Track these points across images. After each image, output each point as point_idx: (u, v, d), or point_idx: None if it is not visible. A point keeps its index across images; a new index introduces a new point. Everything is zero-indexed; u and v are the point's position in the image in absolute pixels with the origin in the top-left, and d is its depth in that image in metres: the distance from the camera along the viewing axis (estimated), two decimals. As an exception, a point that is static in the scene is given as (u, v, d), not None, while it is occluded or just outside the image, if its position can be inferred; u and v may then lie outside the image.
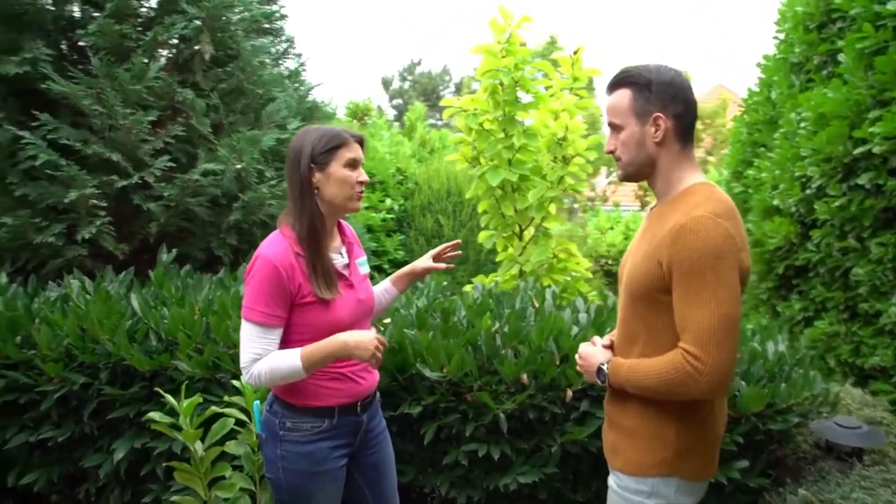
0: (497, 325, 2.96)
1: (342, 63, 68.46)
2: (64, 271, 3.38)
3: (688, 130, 1.82)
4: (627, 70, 1.85)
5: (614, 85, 1.86)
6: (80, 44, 3.53)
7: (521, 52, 4.35)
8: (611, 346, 1.96)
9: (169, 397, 2.28)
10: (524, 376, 2.73)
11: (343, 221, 2.30)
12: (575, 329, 2.92)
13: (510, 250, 4.80)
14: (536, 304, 3.30)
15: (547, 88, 4.72)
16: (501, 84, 4.43)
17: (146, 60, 3.49)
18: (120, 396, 2.81)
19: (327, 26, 73.45)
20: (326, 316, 2.06)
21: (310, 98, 4.56)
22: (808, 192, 3.82)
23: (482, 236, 4.83)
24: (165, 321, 2.87)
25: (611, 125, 1.88)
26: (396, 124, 19.11)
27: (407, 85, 36.79)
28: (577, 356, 1.97)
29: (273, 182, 3.86)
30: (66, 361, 2.84)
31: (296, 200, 2.06)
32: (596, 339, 1.99)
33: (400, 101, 34.98)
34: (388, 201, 9.99)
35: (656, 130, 1.79)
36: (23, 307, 2.95)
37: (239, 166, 3.46)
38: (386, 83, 36.76)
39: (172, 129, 3.57)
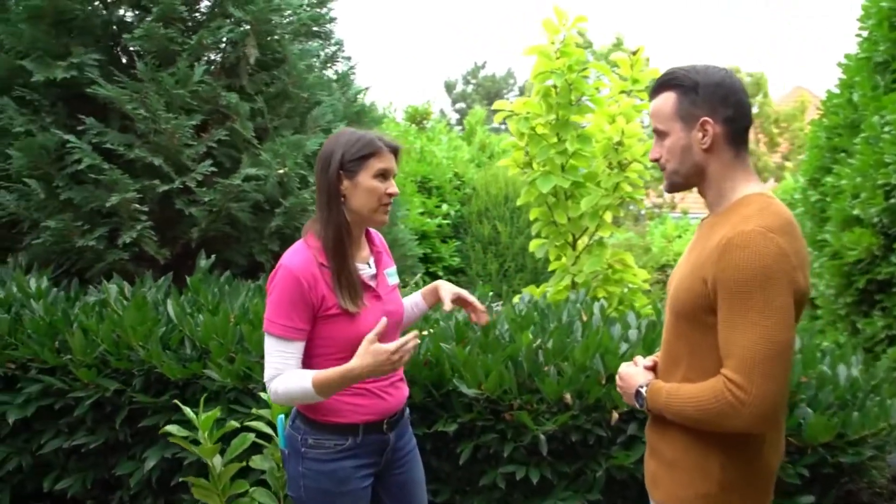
0: (540, 340, 2.86)
1: (404, 67, 69.24)
2: (104, 276, 3.46)
3: (740, 136, 1.70)
4: (672, 71, 1.75)
5: (658, 88, 1.76)
6: (129, 48, 3.61)
7: (576, 52, 4.24)
8: (654, 368, 1.85)
9: (188, 410, 2.27)
10: (567, 396, 2.62)
11: (372, 229, 2.25)
12: (624, 346, 2.79)
13: (563, 260, 4.68)
14: (584, 319, 3.19)
15: (601, 91, 4.59)
16: (555, 87, 4.33)
17: (191, 65, 3.55)
18: (152, 404, 2.84)
19: (390, 29, 74.47)
20: (351, 329, 2.01)
21: (359, 101, 4.56)
22: (892, 201, 3.59)
23: (533, 245, 4.72)
24: (199, 329, 2.89)
25: (655, 131, 1.78)
26: (458, 129, 19.16)
27: (470, 88, 36.84)
28: (617, 376, 1.87)
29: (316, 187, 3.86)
30: (101, 367, 2.89)
31: (322, 208, 2.02)
32: (638, 359, 1.88)
33: (463, 104, 35.05)
34: (445, 206, 9.98)
35: (704, 136, 1.68)
36: (61, 312, 3.02)
37: (282, 171, 3.47)
38: (449, 87, 36.91)
39: (216, 133, 3.61)
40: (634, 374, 1.81)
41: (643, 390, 1.74)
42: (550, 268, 4.79)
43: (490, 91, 35.21)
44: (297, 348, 1.99)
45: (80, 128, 3.47)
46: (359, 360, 1.88)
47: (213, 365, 2.77)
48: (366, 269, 2.11)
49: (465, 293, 2.23)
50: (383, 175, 2.03)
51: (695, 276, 1.64)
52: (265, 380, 1.99)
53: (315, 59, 4.34)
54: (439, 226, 9.72)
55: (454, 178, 10.46)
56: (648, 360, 1.87)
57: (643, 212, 16.96)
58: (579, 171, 4.43)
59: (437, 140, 11.41)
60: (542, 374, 2.68)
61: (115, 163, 3.52)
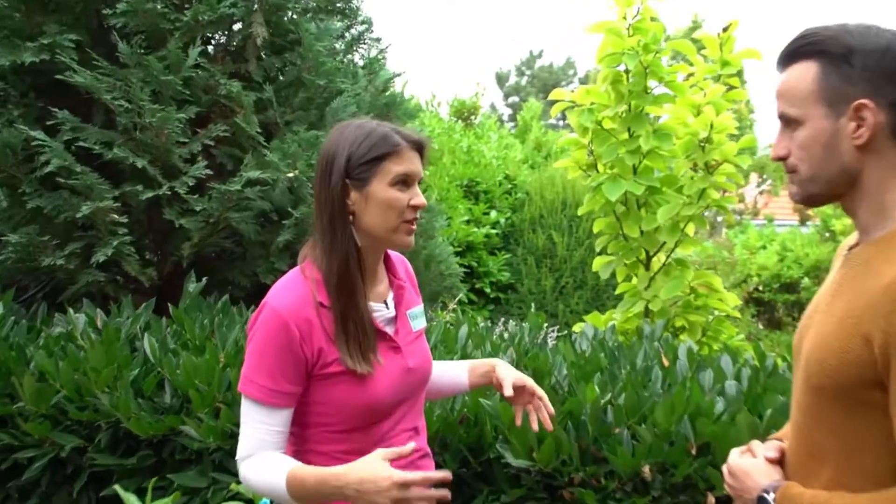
0: (609, 393, 2.43)
1: (449, 55, 69.10)
2: (84, 301, 3.15)
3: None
4: (812, 33, 1.32)
5: (790, 56, 1.34)
6: (114, 27, 3.31)
7: (654, 28, 3.81)
8: (780, 459, 1.42)
9: (127, 496, 1.91)
10: (645, 470, 2.20)
11: (393, 253, 1.87)
12: (720, 403, 2.35)
13: (633, 282, 4.25)
14: (665, 363, 2.74)
15: (687, 77, 4.15)
16: (626, 71, 3.90)
17: (185, 46, 3.23)
18: (118, 467, 2.51)
19: (432, 11, 74.47)
20: (359, 393, 1.62)
21: (389, 91, 4.19)
22: None
23: (598, 263, 4.30)
24: (179, 372, 2.55)
25: (782, 118, 1.36)
26: (510, 125, 18.74)
27: (524, 80, 36.41)
28: (725, 471, 1.44)
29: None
30: (58, 419, 2.58)
31: (324, 230, 1.64)
32: (756, 445, 1.45)
33: (516, 98, 34.64)
34: (494, 214, 9.58)
35: (859, 127, 1.27)
36: (15, 347, 2.71)
37: (290, 175, 3.12)
38: (500, 78, 36.55)
39: (214, 129, 3.29)
40: (754, 470, 1.39)
41: (770, 497, 1.32)
42: (619, 290, 4.35)
43: (547, 83, 34.68)
44: (282, 419, 1.62)
45: (51, 123, 3.18)
46: (352, 470, 1.49)
47: (191, 420, 2.41)
48: (382, 311, 1.72)
49: (531, 382, 1.83)
50: (404, 182, 1.64)
51: (849, 335, 1.22)
52: (237, 457, 1.63)
53: (337, 41, 4.00)
54: (487, 236, 9.31)
55: (505, 182, 10.05)
56: (771, 449, 1.43)
57: (720, 218, 16.28)
58: (655, 175, 4.01)
59: (486, 138, 11.01)
60: (611, 440, 2.26)
61: (94, 165, 3.22)
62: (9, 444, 2.60)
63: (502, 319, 6.72)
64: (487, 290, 9.10)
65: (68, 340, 2.80)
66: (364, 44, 4.11)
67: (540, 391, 1.85)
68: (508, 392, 1.77)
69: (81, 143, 3.11)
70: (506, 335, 3.32)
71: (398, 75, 4.17)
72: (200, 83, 3.32)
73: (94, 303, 3.28)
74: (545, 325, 3.64)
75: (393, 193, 1.62)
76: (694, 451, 2.21)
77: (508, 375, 1.83)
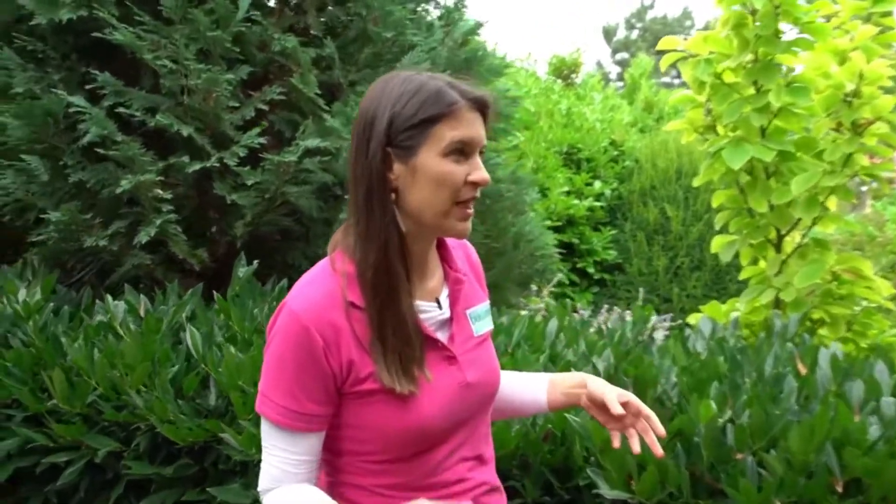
0: (729, 409, 2.12)
1: (547, 7, 67.72)
2: (133, 284, 3.05)
3: None
4: None
5: None
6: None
7: (787, -43, 3.39)
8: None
9: None
10: (775, 507, 1.90)
11: (450, 239, 1.63)
12: (874, 428, 2.00)
13: (761, 265, 3.87)
14: (802, 371, 2.40)
15: (829, 17, 3.70)
16: (752, 12, 3.50)
17: (234, -2, 3.06)
18: (155, 476, 2.38)
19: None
20: (401, 416, 1.40)
21: (470, 44, 3.92)
22: None
23: (717, 243, 3.93)
24: (221, 370, 2.39)
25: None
26: (619, 84, 18.08)
27: (634, 34, 35.25)
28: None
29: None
30: (93, 420, 2.48)
31: (359, 210, 1.41)
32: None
33: (625, 55, 33.60)
34: (598, 184, 9.21)
35: None
36: (51, 338, 2.63)
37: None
38: (608, 33, 35.56)
39: (269, 91, 3.11)
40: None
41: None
42: (743, 275, 3.98)
43: (659, 36, 33.54)
44: (308, 445, 1.42)
45: (90, 87, 3.07)
46: None
47: (232, 427, 2.25)
48: (433, 312, 1.48)
49: (635, 399, 1.55)
50: (461, 151, 1.39)
51: None
52: (258, 489, 1.44)
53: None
54: (590, 209, 8.95)
55: (610, 148, 9.63)
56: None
57: (864, 188, 15.21)
58: (789, 137, 3.59)
59: (588, 99, 10.59)
60: (732, 469, 1.96)
61: (141, 134, 3.10)
62: (44, 446, 2.53)
63: (605, 306, 6.39)
64: (591, 270, 8.77)
65: (108, 331, 2.69)
66: (441, -10, 3.85)
67: (646, 409, 1.57)
68: (618, 409, 1.50)
69: (123, 110, 2.99)
70: (606, 329, 3.02)
71: (480, 26, 3.89)
72: (253, 40, 3.15)
73: (143, 287, 3.19)
74: (653, 316, 3.33)
75: (446, 166, 1.38)
76: (840, 489, 1.88)
77: (608, 390, 1.56)
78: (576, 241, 8.69)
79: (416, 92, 1.38)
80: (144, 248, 3.05)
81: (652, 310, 3.08)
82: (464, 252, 1.63)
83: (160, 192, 2.93)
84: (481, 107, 1.42)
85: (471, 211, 1.41)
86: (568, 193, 8.81)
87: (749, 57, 3.59)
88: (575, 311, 6.40)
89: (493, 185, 3.92)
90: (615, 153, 9.69)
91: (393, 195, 1.39)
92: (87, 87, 3.05)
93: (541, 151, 8.77)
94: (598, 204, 9.00)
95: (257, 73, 3.24)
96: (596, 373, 2.31)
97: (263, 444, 1.43)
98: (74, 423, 2.43)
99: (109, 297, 2.77)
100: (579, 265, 8.70)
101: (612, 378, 2.33)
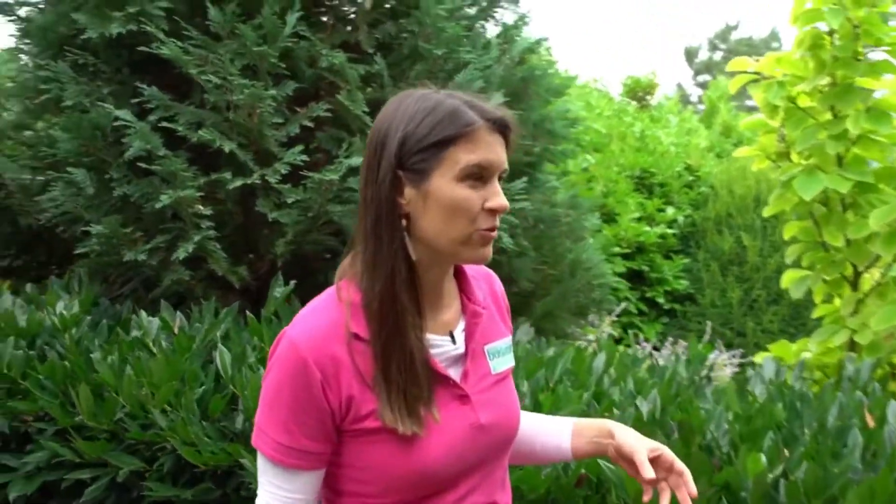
0: (782, 464, 1.97)
1: (624, 27, 67.10)
2: (163, 301, 3.05)
3: None
4: None
5: None
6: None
7: (869, -25, 3.23)
8: None
9: None
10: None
11: (474, 266, 1.55)
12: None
13: (836, 304, 3.67)
14: (870, 423, 2.22)
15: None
16: (830, 32, 3.34)
17: (282, 13, 3.05)
18: (175, 498, 2.35)
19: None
20: (405, 458, 1.32)
21: (528, 62, 3.84)
22: None
23: (788, 278, 3.76)
24: (246, 393, 2.35)
25: None
26: (701, 106, 17.71)
27: (718, 56, 34.61)
28: None
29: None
30: (119, 437, 2.47)
31: (367, 236, 1.34)
32: None
33: (707, 76, 33.02)
34: (671, 210, 8.98)
35: None
36: (84, 352, 2.64)
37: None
38: (690, 54, 34.99)
39: (315, 108, 3.09)
40: None
41: None
42: (816, 314, 3.79)
43: (746, 59, 32.81)
44: (304, 484, 1.35)
45: (136, 101, 3.10)
46: None
47: (249, 455, 2.20)
48: (445, 347, 1.40)
49: (669, 452, 1.44)
50: (478, 176, 1.31)
51: None
52: None
53: (470, 6, 3.70)
54: (662, 236, 8.72)
55: (685, 173, 9.39)
56: None
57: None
58: (868, 167, 3.42)
59: (663, 121, 10.37)
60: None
61: (187, 149, 3.12)
62: (70, 461, 2.53)
63: (670, 339, 6.19)
64: (660, 300, 8.54)
65: (140, 347, 2.70)
66: (499, 6, 3.78)
67: (679, 465, 1.44)
68: (650, 473, 1.38)
69: (166, 125, 3.00)
70: (657, 366, 2.88)
71: (539, 44, 3.80)
72: (302, 56, 3.14)
73: (183, 304, 3.19)
74: (713, 353, 3.16)
75: (461, 192, 1.29)
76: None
77: (638, 445, 1.44)
78: (645, 268, 8.48)
79: (431, 111, 1.31)
80: (186, 263, 3.05)
81: (711, 347, 2.93)
82: (487, 283, 1.54)
83: (201, 207, 2.93)
84: (502, 128, 1.34)
85: (492, 235, 1.33)
86: (639, 219, 8.61)
87: (826, 80, 3.43)
88: (637, 342, 6.22)
89: (549, 210, 3.83)
90: (690, 178, 9.45)
91: (404, 221, 1.32)
92: (134, 101, 3.08)
93: (611, 175, 8.60)
94: (670, 231, 8.77)
95: (306, 89, 3.23)
96: (639, 415, 2.18)
97: (258, 478, 1.37)
98: (99, 440, 2.43)
99: (143, 313, 2.77)
100: (648, 294, 8.48)
101: (656, 422, 2.20)
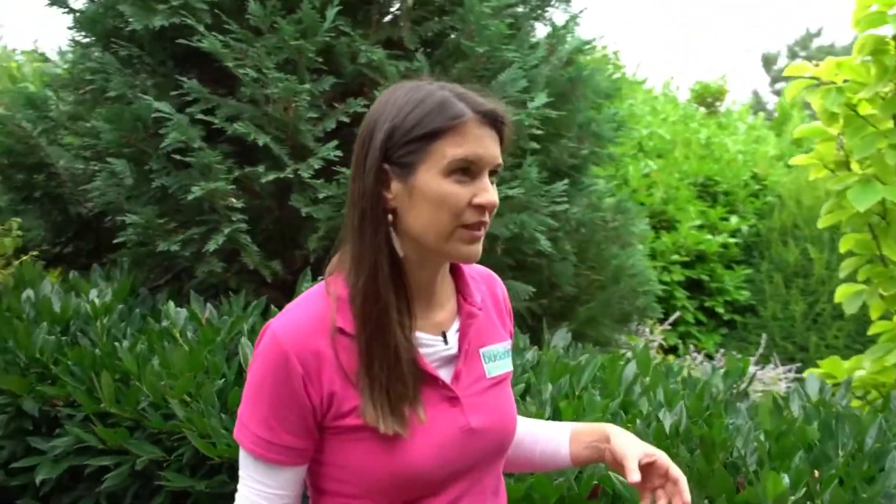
0: (806, 486, 1.86)
1: (697, 32, 65.74)
2: (193, 293, 3.07)
3: None
4: None
5: None
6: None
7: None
8: None
9: None
10: None
11: (475, 267, 1.51)
12: None
13: (894, 321, 3.50)
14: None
15: None
16: (895, 37, 3.18)
17: (321, 7, 3.04)
18: (191, 489, 2.36)
19: (699, -9, 71.33)
20: (386, 459, 1.29)
21: (577, 63, 3.76)
22: None
23: (842, 293, 3.61)
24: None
25: None
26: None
27: (799, 63, 33.64)
28: None
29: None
30: (141, 425, 2.48)
31: (353, 230, 1.32)
32: None
33: (785, 84, 32.13)
34: (734, 219, 8.75)
35: None
36: (110, 339, 2.67)
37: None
38: (768, 60, 34.10)
39: (352, 104, 3.07)
40: None
41: None
42: (872, 331, 3.63)
43: (827, 67, 31.82)
44: (284, 480, 1.34)
45: (175, 93, 3.12)
46: None
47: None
48: (436, 347, 1.37)
49: (664, 457, 1.39)
50: (465, 170, 1.28)
51: None
52: None
53: (516, 3, 3.64)
54: (724, 245, 8.50)
55: (751, 182, 9.14)
56: None
57: None
58: (930, 178, 3.23)
59: (731, 128, 10.10)
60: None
61: (228, 142, 3.14)
62: (94, 447, 2.56)
63: (720, 350, 6.00)
64: (720, 310, 8.32)
65: (168, 338, 2.71)
66: (550, 7, 3.71)
67: (675, 472, 1.38)
68: (635, 477, 1.33)
69: (205, 118, 3.02)
70: (689, 378, 2.77)
71: (587, 44, 3.72)
72: (342, 51, 3.12)
73: (218, 296, 3.21)
74: (755, 367, 3.03)
75: (447, 187, 1.26)
76: None
77: (630, 449, 1.38)
78: (705, 278, 8.28)
79: (419, 103, 1.28)
80: (220, 256, 3.07)
81: (749, 362, 2.81)
82: (488, 285, 1.50)
83: (233, 200, 2.94)
84: (494, 122, 1.30)
85: (479, 233, 1.29)
86: (700, 227, 8.41)
87: (888, 87, 3.27)
88: (688, 352, 6.06)
89: (593, 214, 3.74)
90: (756, 187, 9.19)
91: (390, 217, 1.29)
92: (174, 93, 3.11)
93: (673, 182, 8.41)
94: (732, 240, 8.54)
95: (347, 85, 3.21)
96: (660, 427, 2.09)
97: (240, 472, 1.36)
98: (120, 428, 2.45)
99: (171, 304, 2.79)
100: (707, 304, 8.27)
101: (679, 435, 2.12)
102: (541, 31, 3.93)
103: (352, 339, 1.28)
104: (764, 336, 6.40)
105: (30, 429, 2.70)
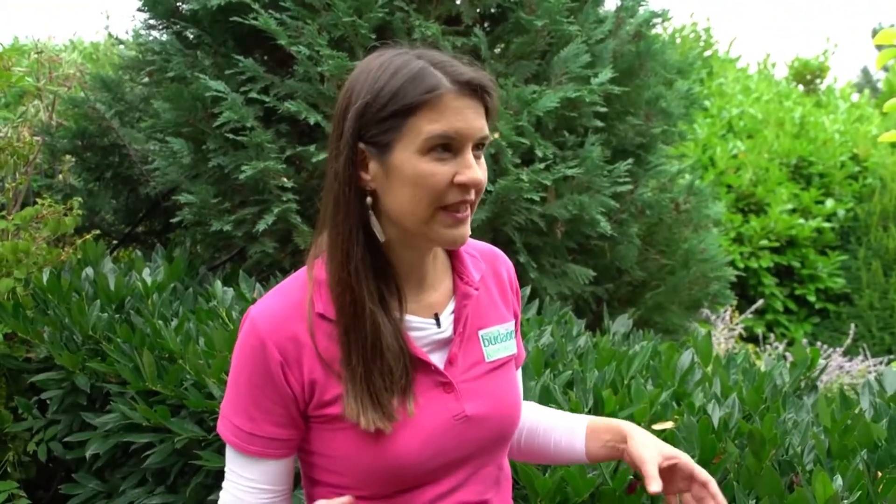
0: (861, 489, 1.70)
1: (809, 8, 62.64)
2: (242, 272, 3.07)
3: None
4: None
5: None
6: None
7: None
8: None
9: None
10: None
11: (476, 243, 1.44)
12: None
13: None
14: None
15: None
16: None
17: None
18: (221, 470, 2.35)
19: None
20: (373, 449, 1.23)
21: (647, 36, 3.58)
22: None
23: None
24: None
25: None
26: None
27: (890, 28, 31.76)
28: None
29: (544, 164, 3.05)
30: (185, 405, 2.49)
31: (328, 213, 1.25)
32: None
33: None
34: (830, 203, 8.31)
35: None
36: (158, 318, 2.68)
37: (492, 137, 2.73)
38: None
39: (405, 81, 3.00)
40: None
41: None
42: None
43: (943, 42, 29.94)
44: (269, 473, 1.29)
45: (230, 72, 3.12)
46: None
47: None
48: (429, 330, 1.30)
49: (688, 459, 1.30)
50: (446, 147, 1.19)
51: None
52: None
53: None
54: (818, 230, 8.10)
55: (850, 163, 8.66)
56: None
57: None
58: None
59: (831, 107, 9.59)
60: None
61: (279, 120, 3.12)
62: (138, 424, 2.59)
63: (804, 341, 5.70)
64: (812, 298, 7.93)
65: (213, 317, 2.72)
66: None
67: (702, 474, 1.28)
68: (655, 487, 1.22)
69: (256, 96, 3.00)
70: (750, 368, 2.60)
71: (657, 15, 3.53)
72: (397, 27, 3.05)
73: (275, 276, 3.21)
74: (821, 361, 2.83)
75: (424, 165, 1.17)
76: None
77: (649, 454, 1.28)
78: (797, 264, 7.90)
79: (393, 75, 1.18)
80: (274, 236, 3.06)
81: (818, 352, 2.61)
82: (490, 263, 1.40)
83: (285, 180, 2.91)
84: (475, 91, 1.20)
85: (463, 215, 1.20)
86: (792, 211, 8.02)
87: None
88: (769, 342, 5.78)
89: (660, 195, 3.57)
90: (855, 169, 8.70)
91: (369, 199, 1.21)
92: (229, 72, 3.10)
93: (762, 163, 8.05)
94: (827, 225, 8.12)
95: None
96: (706, 420, 1.95)
97: (227, 464, 1.31)
98: (161, 406, 2.46)
99: (219, 283, 2.79)
100: (798, 291, 7.90)
101: (726, 430, 1.98)
102: (610, 4, 3.77)
103: (333, 324, 1.22)
104: (853, 326, 6.05)
105: (84, 404, 2.76)
